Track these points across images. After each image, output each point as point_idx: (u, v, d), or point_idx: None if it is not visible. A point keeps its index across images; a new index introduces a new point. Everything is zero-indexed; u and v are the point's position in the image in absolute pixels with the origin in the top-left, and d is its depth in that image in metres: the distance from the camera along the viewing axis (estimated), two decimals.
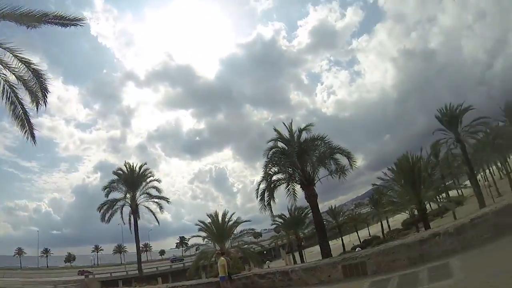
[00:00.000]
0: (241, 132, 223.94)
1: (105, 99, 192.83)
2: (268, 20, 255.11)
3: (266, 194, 17.00)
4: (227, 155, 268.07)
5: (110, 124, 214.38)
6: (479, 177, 44.97)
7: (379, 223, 44.15)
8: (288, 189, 16.81)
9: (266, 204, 17.11)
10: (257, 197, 17.21)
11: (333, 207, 47.12)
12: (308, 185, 16.29)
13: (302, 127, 17.19)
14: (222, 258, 9.98)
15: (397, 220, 36.71)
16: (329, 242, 41.67)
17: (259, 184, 17.32)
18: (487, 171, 47.97)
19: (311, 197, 16.22)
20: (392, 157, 20.19)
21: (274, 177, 17.37)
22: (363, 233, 49.58)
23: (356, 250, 25.19)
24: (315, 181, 16.42)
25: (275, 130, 17.52)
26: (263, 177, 17.22)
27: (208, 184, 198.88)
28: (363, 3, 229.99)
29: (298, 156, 16.40)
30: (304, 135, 17.07)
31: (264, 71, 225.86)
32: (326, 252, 16.34)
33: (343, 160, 16.46)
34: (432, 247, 7.33)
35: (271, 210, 17.36)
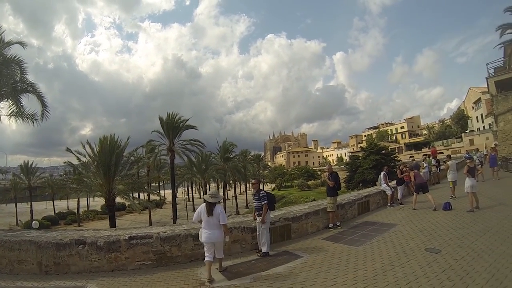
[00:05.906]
0: None
1: None
2: None
3: None
4: None
5: None
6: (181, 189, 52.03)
7: (86, 198, 38.11)
8: None
9: None
10: None
11: (28, 164, 37.34)
12: None
13: (13, 41, 11.62)
14: None
15: (100, 201, 28.13)
16: (19, 204, 34.94)
17: None
18: (190, 187, 56.83)
19: None
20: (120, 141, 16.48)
21: None
22: (63, 205, 42.66)
23: (33, 223, 21.22)
24: None
25: None
26: None
27: None
28: None
29: None
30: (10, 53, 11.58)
31: None
32: None
33: (34, 106, 12.03)
34: (74, 257, 5.25)
35: None
